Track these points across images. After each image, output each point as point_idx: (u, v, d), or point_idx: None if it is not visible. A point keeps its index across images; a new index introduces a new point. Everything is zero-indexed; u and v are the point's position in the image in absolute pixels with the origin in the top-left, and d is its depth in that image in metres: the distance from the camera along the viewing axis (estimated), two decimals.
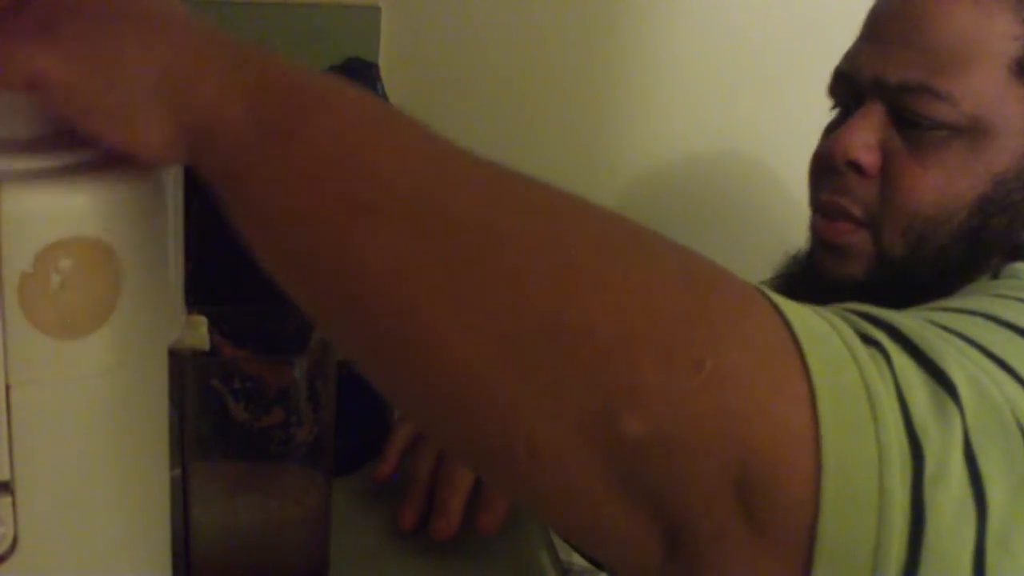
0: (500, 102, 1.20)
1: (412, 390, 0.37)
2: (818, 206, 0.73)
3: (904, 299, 0.46)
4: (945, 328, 0.38)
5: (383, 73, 1.02)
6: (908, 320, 0.37)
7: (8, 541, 0.38)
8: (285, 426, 0.57)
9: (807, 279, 0.74)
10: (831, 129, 0.74)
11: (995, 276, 0.55)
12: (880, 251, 0.69)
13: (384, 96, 1.01)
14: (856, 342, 0.35)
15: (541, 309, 0.33)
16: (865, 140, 0.68)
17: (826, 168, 0.71)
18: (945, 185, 0.66)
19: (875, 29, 0.70)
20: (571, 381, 0.33)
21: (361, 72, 1.00)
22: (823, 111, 0.76)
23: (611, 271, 0.34)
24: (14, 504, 0.38)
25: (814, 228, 0.74)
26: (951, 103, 0.65)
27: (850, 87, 0.71)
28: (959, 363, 0.35)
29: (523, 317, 0.33)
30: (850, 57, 0.71)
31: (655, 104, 1.22)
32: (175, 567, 0.48)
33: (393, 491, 0.72)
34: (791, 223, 0.81)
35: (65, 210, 0.37)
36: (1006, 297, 0.46)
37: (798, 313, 0.35)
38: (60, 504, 0.40)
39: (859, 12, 0.73)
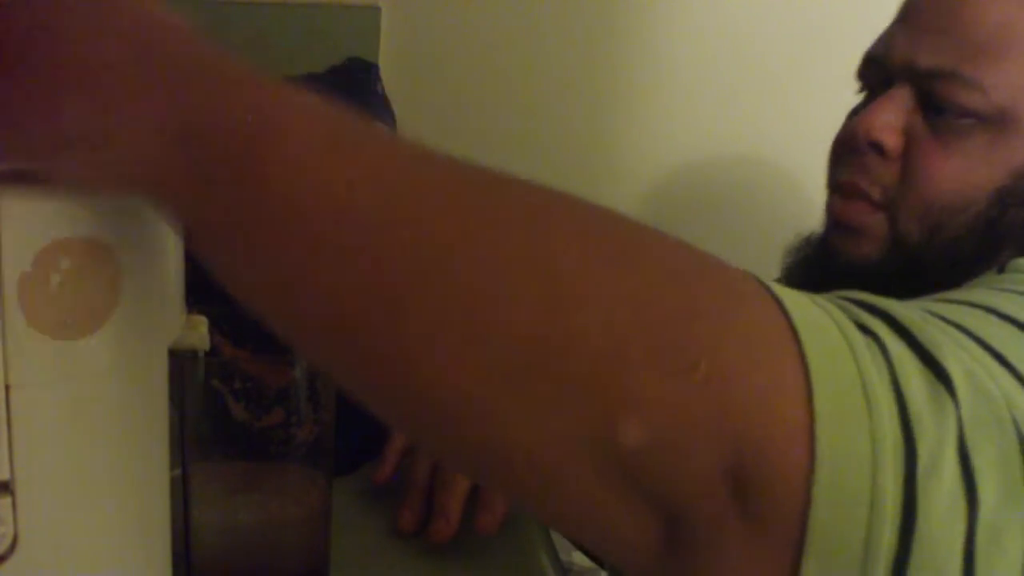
0: (500, 102, 1.20)
1: (403, 416, 0.36)
2: (836, 187, 0.72)
3: (914, 288, 0.46)
4: (944, 319, 0.38)
5: (383, 73, 1.02)
6: (906, 310, 0.36)
7: (8, 541, 0.38)
8: (285, 426, 0.57)
9: (820, 261, 0.74)
10: (855, 113, 0.74)
11: (1000, 271, 0.55)
12: (895, 235, 0.68)
13: (384, 96, 1.01)
14: (853, 332, 0.34)
15: (528, 329, 0.33)
16: (889, 121, 0.68)
17: (847, 148, 0.71)
18: (965, 174, 0.65)
19: (911, 14, 0.70)
20: (565, 396, 0.32)
21: (361, 72, 1.00)
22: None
23: (597, 280, 0.33)
24: (14, 504, 0.38)
25: (830, 209, 0.73)
26: (980, 92, 0.64)
27: (879, 70, 0.70)
28: (956, 355, 0.35)
29: (510, 338, 0.33)
30: (882, 41, 0.71)
31: (655, 103, 1.22)
32: (175, 567, 0.48)
33: (393, 491, 0.72)
34: (795, 222, 0.81)
35: (65, 210, 0.37)
36: (1008, 291, 0.45)
37: (796, 302, 0.34)
38: (60, 504, 0.40)
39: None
